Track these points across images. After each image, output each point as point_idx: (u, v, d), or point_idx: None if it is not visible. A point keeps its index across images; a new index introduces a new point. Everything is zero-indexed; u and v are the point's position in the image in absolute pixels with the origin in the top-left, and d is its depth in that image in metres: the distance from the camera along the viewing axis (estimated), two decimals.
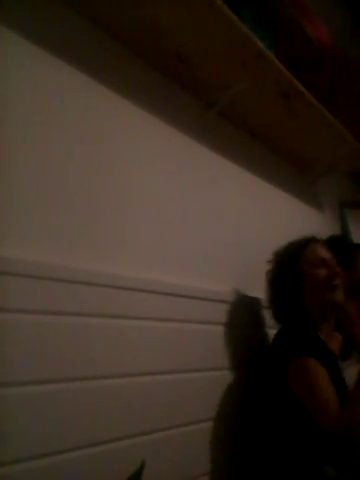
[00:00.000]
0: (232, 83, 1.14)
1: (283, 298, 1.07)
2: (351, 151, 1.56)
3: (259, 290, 1.19)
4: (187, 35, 0.99)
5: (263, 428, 1.00)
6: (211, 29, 0.97)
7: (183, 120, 1.14)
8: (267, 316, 1.23)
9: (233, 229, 1.25)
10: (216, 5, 0.91)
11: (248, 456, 1.02)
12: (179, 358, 0.96)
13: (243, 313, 1.18)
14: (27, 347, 0.70)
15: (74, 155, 0.86)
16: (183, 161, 1.13)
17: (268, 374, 1.00)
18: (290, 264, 1.05)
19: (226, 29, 0.97)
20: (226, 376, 1.08)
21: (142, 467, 0.70)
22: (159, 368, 0.91)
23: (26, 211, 0.76)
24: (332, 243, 1.72)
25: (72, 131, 0.86)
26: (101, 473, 0.77)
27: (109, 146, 0.93)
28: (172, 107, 1.12)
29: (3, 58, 0.77)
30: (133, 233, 0.95)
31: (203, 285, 1.08)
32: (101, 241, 0.87)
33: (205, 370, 1.03)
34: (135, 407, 0.85)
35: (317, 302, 1.03)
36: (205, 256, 1.13)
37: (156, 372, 0.90)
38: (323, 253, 1.06)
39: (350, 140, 1.49)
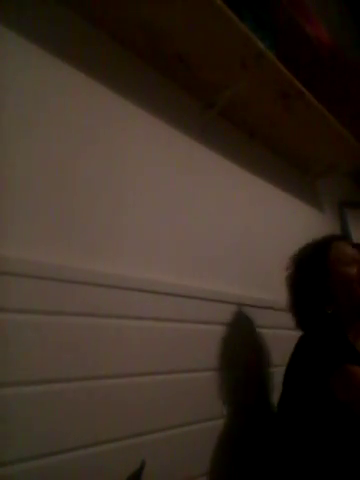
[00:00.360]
0: (232, 83, 1.14)
1: (310, 301, 1.00)
2: (351, 151, 1.56)
3: (259, 290, 1.20)
4: (187, 35, 0.99)
5: (301, 439, 0.92)
6: (211, 29, 0.97)
7: (183, 120, 1.14)
8: (267, 316, 1.23)
9: (233, 229, 1.25)
10: (216, 5, 0.92)
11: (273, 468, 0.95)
12: (179, 358, 0.96)
13: (243, 313, 1.18)
14: (27, 347, 0.70)
15: (74, 155, 0.86)
16: (183, 161, 1.13)
17: (303, 386, 0.92)
18: (317, 264, 1.00)
19: (226, 29, 0.97)
20: (226, 376, 1.08)
21: (142, 467, 0.70)
22: (159, 368, 0.91)
23: (26, 211, 0.76)
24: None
25: (72, 131, 0.86)
26: (101, 473, 0.77)
27: (109, 146, 0.93)
28: (172, 107, 1.12)
29: (3, 58, 0.77)
30: (133, 233, 0.95)
31: (203, 285, 1.08)
32: (101, 241, 0.87)
33: (205, 370, 1.03)
34: (135, 407, 0.85)
35: (349, 301, 0.96)
36: (205, 256, 1.13)
37: (156, 372, 0.90)
38: (351, 250, 1.00)
39: (350, 140, 1.49)
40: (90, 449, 0.76)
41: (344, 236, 1.05)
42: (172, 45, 1.02)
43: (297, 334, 1.00)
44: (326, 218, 1.87)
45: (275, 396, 1.13)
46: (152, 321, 0.92)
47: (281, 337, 1.23)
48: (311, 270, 1.00)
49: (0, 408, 0.65)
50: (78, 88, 0.89)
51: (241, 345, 1.14)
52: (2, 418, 0.65)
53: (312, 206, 1.77)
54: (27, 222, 0.75)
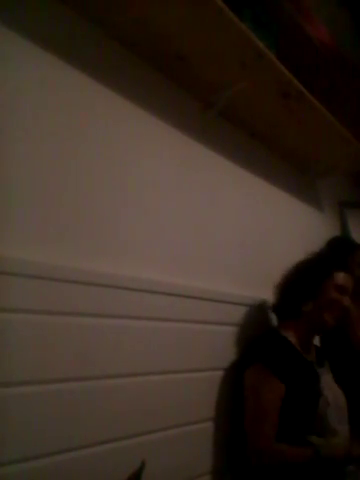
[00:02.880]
0: (232, 83, 1.14)
1: (294, 294, 1.12)
2: (351, 151, 1.56)
3: (259, 290, 1.20)
4: (187, 35, 0.99)
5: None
6: (211, 29, 0.97)
7: (183, 120, 1.14)
8: (267, 316, 1.23)
9: (233, 229, 1.25)
10: (216, 5, 0.91)
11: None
12: (179, 358, 0.96)
13: (244, 313, 1.18)
14: (27, 347, 0.70)
15: (74, 155, 0.86)
16: (183, 161, 1.13)
17: (235, 376, 1.06)
18: (316, 275, 1.11)
19: (226, 29, 0.97)
20: (226, 376, 1.08)
21: (142, 467, 0.70)
22: (159, 368, 0.91)
23: (26, 211, 0.76)
24: (333, 243, 1.73)
25: (71, 131, 0.86)
26: (101, 473, 0.77)
27: (109, 146, 0.93)
28: (172, 107, 1.12)
29: (3, 58, 0.77)
30: (133, 233, 0.94)
31: (203, 285, 1.08)
32: (101, 241, 0.87)
33: (205, 370, 1.03)
34: (135, 407, 0.85)
35: (317, 318, 1.09)
36: (205, 256, 1.13)
37: (156, 372, 0.90)
38: (348, 283, 1.13)
39: (350, 140, 1.49)
40: (90, 449, 0.76)
41: (341, 238, 1.22)
42: (172, 45, 1.02)
43: None
44: (326, 218, 1.87)
45: None
46: (152, 321, 0.92)
47: None
48: (310, 279, 1.12)
49: (0, 408, 0.65)
50: (78, 88, 0.89)
51: (241, 345, 1.14)
52: (2, 418, 0.65)
53: (312, 206, 1.77)
54: (27, 222, 0.75)
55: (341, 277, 1.12)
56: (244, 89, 1.15)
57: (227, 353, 1.10)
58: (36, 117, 0.80)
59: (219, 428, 1.03)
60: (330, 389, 1.02)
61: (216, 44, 1.02)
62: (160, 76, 1.10)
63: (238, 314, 1.16)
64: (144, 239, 0.97)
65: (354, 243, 1.77)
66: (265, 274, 1.27)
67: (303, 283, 1.11)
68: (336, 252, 1.16)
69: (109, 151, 0.93)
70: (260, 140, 1.45)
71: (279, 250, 1.39)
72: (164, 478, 0.87)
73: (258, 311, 1.23)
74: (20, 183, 0.76)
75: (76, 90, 0.89)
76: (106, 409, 0.79)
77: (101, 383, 0.80)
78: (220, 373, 1.07)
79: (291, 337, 1.06)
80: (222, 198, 1.24)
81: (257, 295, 1.22)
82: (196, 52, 1.04)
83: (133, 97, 1.00)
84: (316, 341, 1.46)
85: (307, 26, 1.36)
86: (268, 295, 1.19)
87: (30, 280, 0.71)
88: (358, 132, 1.54)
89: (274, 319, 1.21)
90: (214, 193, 1.21)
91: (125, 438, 0.82)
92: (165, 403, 0.91)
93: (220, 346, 1.09)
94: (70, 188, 0.84)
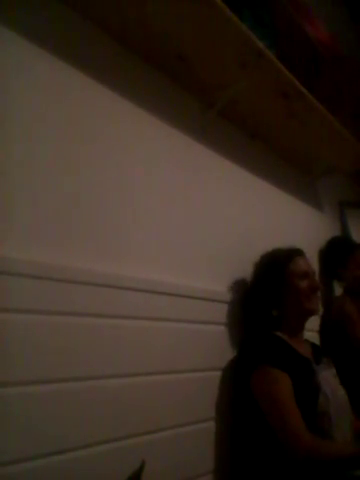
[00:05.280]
0: (232, 83, 1.14)
1: (261, 301, 1.13)
2: (351, 151, 1.56)
3: None
4: (187, 35, 0.99)
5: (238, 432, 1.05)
6: (211, 29, 0.97)
7: (183, 120, 1.14)
8: None
9: (233, 229, 1.25)
10: (216, 5, 0.91)
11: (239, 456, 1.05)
12: (179, 358, 0.96)
13: (243, 313, 1.18)
14: (27, 347, 0.70)
15: (75, 155, 0.86)
16: (183, 161, 1.13)
17: (235, 382, 1.06)
18: (277, 272, 1.13)
19: (226, 29, 0.97)
20: (226, 376, 1.08)
21: (142, 467, 0.70)
22: (159, 368, 0.91)
23: (27, 211, 0.76)
24: (333, 244, 1.74)
25: (72, 131, 0.86)
26: (101, 473, 0.77)
27: (109, 146, 0.93)
28: (172, 107, 1.12)
29: (3, 58, 0.77)
30: (133, 233, 0.94)
31: (203, 285, 1.08)
32: (101, 241, 0.87)
33: (205, 370, 1.03)
34: (135, 407, 0.85)
35: (295, 310, 1.11)
36: (205, 256, 1.13)
37: (156, 372, 0.90)
38: (306, 266, 1.15)
39: (350, 140, 1.49)
40: (90, 449, 0.76)
41: (302, 251, 1.19)
42: (172, 45, 1.02)
43: None
44: (326, 218, 1.87)
45: None
46: (152, 321, 0.92)
47: None
48: (270, 275, 1.13)
49: (0, 408, 0.65)
50: (78, 88, 0.89)
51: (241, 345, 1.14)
52: (2, 418, 0.65)
53: (312, 206, 1.77)
54: (27, 222, 0.75)
55: (296, 265, 1.13)
56: (244, 89, 1.15)
57: (227, 353, 1.10)
58: (36, 117, 0.80)
59: (219, 428, 1.03)
60: (329, 385, 1.01)
61: (216, 44, 1.02)
62: (160, 76, 1.10)
63: (238, 314, 1.16)
64: (144, 239, 0.97)
65: (355, 243, 1.78)
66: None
67: (266, 289, 1.12)
68: (279, 253, 1.17)
69: (108, 151, 0.93)
70: (260, 140, 1.45)
71: None
72: (164, 478, 0.87)
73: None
74: (21, 183, 0.76)
75: (76, 90, 0.88)
76: (106, 409, 0.79)
77: (101, 383, 0.79)
78: (220, 373, 1.07)
79: (282, 335, 1.07)
80: (222, 198, 1.24)
81: None
82: (196, 52, 1.04)
83: (133, 97, 1.00)
84: (316, 341, 1.46)
85: (307, 26, 1.36)
86: None
87: (30, 280, 0.71)
88: (358, 132, 1.55)
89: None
90: (214, 193, 1.21)
91: (125, 438, 0.82)
92: (165, 403, 0.91)
93: (220, 346, 1.09)
94: (70, 188, 0.84)
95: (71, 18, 0.89)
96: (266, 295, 1.12)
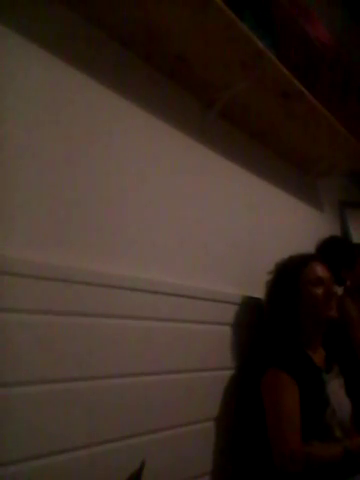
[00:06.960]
0: (232, 83, 1.14)
1: (278, 311, 1.11)
2: (351, 151, 1.56)
3: (259, 290, 1.19)
4: (187, 35, 0.99)
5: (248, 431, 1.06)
6: (211, 29, 0.97)
7: (183, 120, 1.14)
8: None
9: (233, 229, 1.25)
10: (216, 5, 0.91)
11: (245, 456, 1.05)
12: (179, 358, 0.96)
13: (244, 313, 1.18)
14: (27, 347, 0.70)
15: (75, 155, 0.86)
16: (183, 161, 1.13)
17: (245, 381, 1.06)
18: (289, 281, 1.10)
19: (226, 29, 0.97)
20: (226, 376, 1.08)
21: (142, 467, 0.70)
22: (159, 368, 0.91)
23: (27, 211, 0.76)
24: (333, 244, 1.73)
25: (72, 131, 0.86)
26: (101, 473, 0.77)
27: (109, 146, 0.93)
28: (172, 107, 1.12)
29: (3, 58, 0.77)
30: (133, 233, 0.95)
31: (204, 285, 1.08)
32: (101, 241, 0.87)
33: (205, 370, 1.03)
34: (135, 407, 0.85)
35: (311, 318, 1.08)
36: (205, 256, 1.13)
37: (156, 372, 0.90)
38: (321, 272, 1.11)
39: (350, 140, 1.49)
40: (90, 449, 0.76)
41: (320, 256, 1.15)
42: (172, 45, 1.02)
43: None
44: (326, 218, 1.87)
45: None
46: (152, 321, 0.92)
47: None
48: (285, 286, 1.11)
49: (0, 408, 0.65)
50: (78, 88, 0.89)
51: (241, 345, 1.14)
52: (2, 418, 0.65)
53: (312, 206, 1.77)
54: (27, 222, 0.75)
55: (310, 271, 1.09)
56: (244, 89, 1.15)
57: (227, 353, 1.10)
58: (37, 117, 0.80)
59: (220, 428, 1.03)
60: (336, 397, 1.01)
61: (216, 44, 1.02)
62: (160, 76, 1.10)
63: (239, 314, 1.16)
64: (144, 239, 0.97)
65: (355, 243, 1.77)
66: (265, 274, 1.26)
67: (282, 300, 1.10)
68: (292, 259, 1.15)
69: (108, 150, 0.93)
70: (260, 140, 1.45)
71: (279, 250, 1.39)
72: (164, 478, 0.87)
73: (259, 311, 1.23)
74: (21, 183, 0.76)
75: (76, 90, 0.88)
76: (106, 409, 0.79)
77: (101, 383, 0.79)
78: (220, 373, 1.07)
79: (300, 341, 1.06)
80: (222, 198, 1.24)
81: (257, 295, 1.22)
82: (196, 52, 1.04)
83: (133, 97, 1.00)
84: None
85: (307, 26, 1.36)
86: None
87: (30, 280, 0.71)
88: (358, 132, 1.55)
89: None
90: (214, 193, 1.21)
91: (125, 438, 0.82)
92: (165, 403, 0.91)
93: (220, 346, 1.09)
94: (71, 188, 0.84)
95: (71, 18, 0.89)
96: (283, 307, 1.09)
